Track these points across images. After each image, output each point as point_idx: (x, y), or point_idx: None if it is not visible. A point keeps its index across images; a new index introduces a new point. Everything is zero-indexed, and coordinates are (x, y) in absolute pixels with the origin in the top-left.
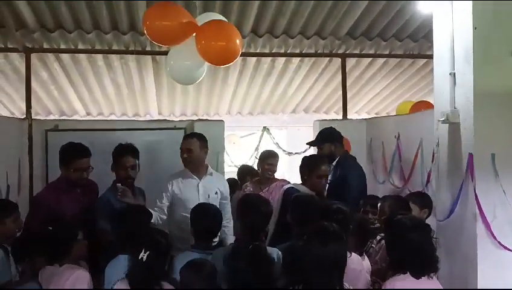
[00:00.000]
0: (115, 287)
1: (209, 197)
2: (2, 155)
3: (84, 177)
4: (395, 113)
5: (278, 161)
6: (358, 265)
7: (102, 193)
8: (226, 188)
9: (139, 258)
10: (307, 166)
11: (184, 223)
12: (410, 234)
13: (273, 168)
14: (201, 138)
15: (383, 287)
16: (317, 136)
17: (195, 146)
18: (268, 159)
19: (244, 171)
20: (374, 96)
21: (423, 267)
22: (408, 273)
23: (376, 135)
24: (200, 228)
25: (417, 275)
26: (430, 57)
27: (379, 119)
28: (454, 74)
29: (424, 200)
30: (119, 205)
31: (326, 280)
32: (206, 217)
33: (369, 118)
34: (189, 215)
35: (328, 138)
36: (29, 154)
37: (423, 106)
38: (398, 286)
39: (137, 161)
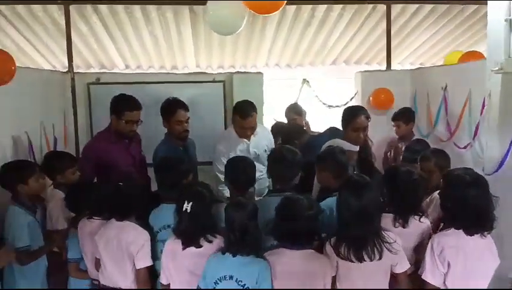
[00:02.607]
0: (167, 243)
1: (258, 156)
2: (47, 108)
3: (134, 130)
4: (440, 64)
5: (299, 112)
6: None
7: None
8: (271, 141)
9: (183, 209)
10: (344, 118)
11: None
12: (468, 189)
13: (294, 119)
14: (255, 108)
15: (431, 241)
16: None
17: (256, 121)
18: (289, 113)
19: (278, 129)
20: (419, 46)
21: (477, 224)
22: (461, 229)
23: (421, 86)
24: (237, 180)
25: (470, 232)
26: (483, 2)
27: (425, 70)
28: (511, 20)
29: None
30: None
31: (360, 231)
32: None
33: (415, 69)
34: None
35: None
36: (73, 107)
37: (473, 56)
38: (446, 240)
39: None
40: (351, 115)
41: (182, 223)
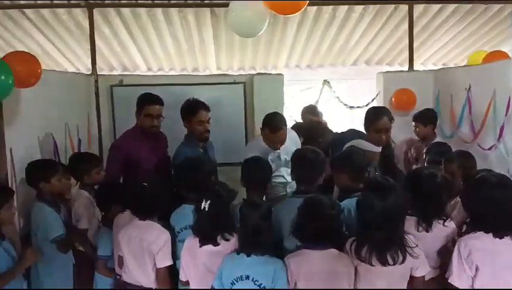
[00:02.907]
0: (186, 241)
1: (289, 162)
2: (72, 110)
3: (155, 125)
4: (464, 64)
5: (315, 113)
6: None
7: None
8: (298, 142)
9: (202, 208)
10: (366, 119)
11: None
12: (495, 191)
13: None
14: (285, 120)
15: (458, 244)
16: None
17: (285, 134)
18: (306, 114)
19: (299, 128)
20: (442, 46)
21: (507, 227)
22: (490, 233)
23: (444, 87)
24: (252, 181)
25: (500, 235)
26: (508, 1)
27: (448, 70)
28: None
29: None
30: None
31: (384, 234)
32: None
33: (438, 69)
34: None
35: None
36: (97, 109)
37: (497, 56)
38: (473, 243)
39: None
40: (374, 116)
41: (200, 221)
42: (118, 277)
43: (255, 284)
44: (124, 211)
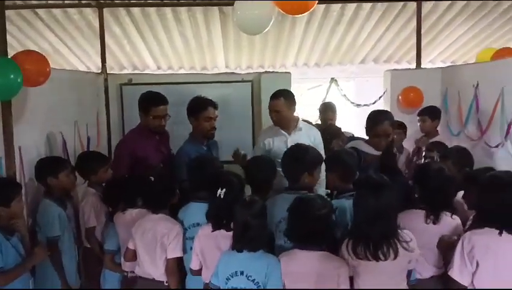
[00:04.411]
0: (200, 230)
1: None
2: (81, 108)
3: (163, 125)
4: (473, 62)
5: (335, 111)
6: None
7: (172, 142)
8: (316, 139)
9: (217, 195)
10: (367, 122)
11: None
12: (506, 188)
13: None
14: (288, 96)
15: (462, 239)
16: None
17: (283, 106)
18: (326, 112)
19: None
20: (451, 44)
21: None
22: (495, 229)
23: (452, 84)
24: (257, 179)
25: (502, 230)
26: None
27: (456, 68)
28: None
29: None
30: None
31: (377, 231)
32: (261, 169)
33: (445, 67)
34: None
35: None
36: (106, 107)
37: (506, 53)
38: (477, 238)
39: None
40: (374, 120)
41: (214, 207)
42: (126, 274)
43: (248, 279)
44: (124, 211)
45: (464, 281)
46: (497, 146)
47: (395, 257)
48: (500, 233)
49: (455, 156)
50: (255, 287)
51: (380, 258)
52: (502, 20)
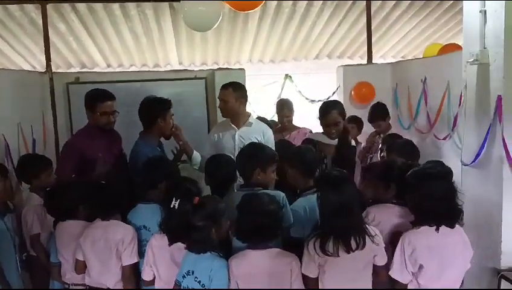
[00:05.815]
0: (151, 240)
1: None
2: (25, 109)
3: (111, 122)
4: (422, 57)
5: (291, 108)
6: None
7: (124, 144)
8: (267, 136)
9: (171, 206)
10: (319, 114)
11: None
12: (434, 184)
13: (288, 116)
14: (238, 88)
15: (402, 240)
16: None
17: (230, 97)
18: (283, 109)
19: None
20: (400, 40)
21: (447, 216)
22: (434, 226)
23: (402, 79)
24: (216, 178)
25: (441, 225)
26: None
27: (405, 63)
28: (485, 11)
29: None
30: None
31: (345, 221)
32: (219, 168)
33: (395, 62)
34: None
35: None
36: (53, 107)
37: (452, 48)
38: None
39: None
40: (323, 111)
41: (169, 219)
42: (67, 286)
43: (195, 280)
44: (64, 219)
45: (405, 279)
46: (445, 138)
47: (363, 248)
48: (437, 229)
49: (400, 150)
50: (201, 288)
51: (352, 249)
52: (446, 16)
